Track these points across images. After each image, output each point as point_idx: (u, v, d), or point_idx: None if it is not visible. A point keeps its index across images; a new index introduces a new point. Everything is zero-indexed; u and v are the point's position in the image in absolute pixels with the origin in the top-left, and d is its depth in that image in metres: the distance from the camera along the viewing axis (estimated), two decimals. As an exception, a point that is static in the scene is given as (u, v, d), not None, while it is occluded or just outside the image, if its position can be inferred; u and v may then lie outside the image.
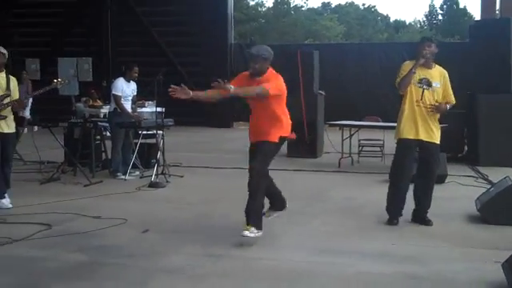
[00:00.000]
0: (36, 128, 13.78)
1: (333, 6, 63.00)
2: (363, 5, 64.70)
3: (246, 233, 5.55)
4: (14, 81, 7.37)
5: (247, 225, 5.62)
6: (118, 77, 9.65)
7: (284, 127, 5.92)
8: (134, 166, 9.67)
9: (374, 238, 6.01)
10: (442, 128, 6.68)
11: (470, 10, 61.25)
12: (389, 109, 14.36)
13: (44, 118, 11.16)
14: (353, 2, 63.18)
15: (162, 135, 9.57)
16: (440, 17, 63.10)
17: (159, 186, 8.66)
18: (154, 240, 5.88)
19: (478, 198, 6.99)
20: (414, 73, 6.39)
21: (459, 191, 8.53)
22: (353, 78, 19.27)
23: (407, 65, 6.51)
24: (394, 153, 6.72)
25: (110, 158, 9.73)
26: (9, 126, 7.23)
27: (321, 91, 12.52)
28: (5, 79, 7.21)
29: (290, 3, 49.61)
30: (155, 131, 9.63)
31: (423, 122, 6.44)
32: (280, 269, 5.04)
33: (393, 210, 6.64)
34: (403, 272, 4.91)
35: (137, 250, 5.55)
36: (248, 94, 5.80)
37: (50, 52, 20.94)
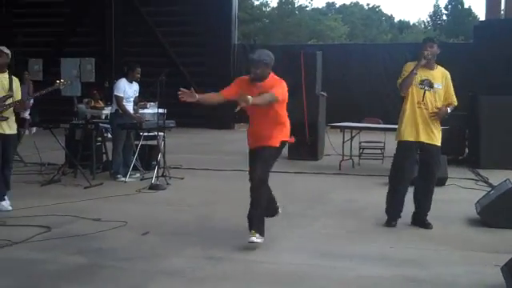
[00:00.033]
0: (34, 129, 13.77)
1: (337, 6, 63.10)
2: (367, 5, 64.75)
3: (253, 238, 5.53)
4: (16, 81, 7.35)
5: (251, 231, 5.61)
6: (121, 77, 9.64)
7: (285, 131, 5.91)
8: (135, 168, 9.66)
9: (375, 241, 6.01)
10: (443, 130, 6.67)
11: (474, 10, 61.11)
12: (392, 109, 14.34)
13: (46, 119, 11.19)
14: (357, 2, 63.26)
15: (164, 137, 9.56)
16: (444, 17, 63.01)
17: (159, 188, 8.66)
18: (154, 242, 5.88)
19: (478, 201, 6.98)
20: (416, 74, 6.37)
21: (459, 194, 8.52)
22: (356, 78, 19.30)
23: (409, 66, 6.49)
24: (394, 154, 6.72)
25: (110, 159, 9.72)
26: (10, 127, 7.20)
27: (323, 92, 12.51)
28: (7, 80, 7.18)
29: (294, 3, 49.63)
30: (156, 133, 9.62)
31: (424, 123, 6.43)
32: (280, 272, 5.03)
33: (391, 211, 6.64)
34: (403, 275, 4.90)
35: (137, 252, 5.54)
36: (264, 103, 5.63)
37: (53, 52, 20.98)
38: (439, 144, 6.53)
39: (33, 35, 21.05)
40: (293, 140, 6.26)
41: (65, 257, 5.35)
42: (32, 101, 11.26)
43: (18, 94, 7.29)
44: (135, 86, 9.60)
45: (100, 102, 16.34)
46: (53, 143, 9.56)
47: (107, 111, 13.71)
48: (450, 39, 43.54)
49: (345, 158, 11.03)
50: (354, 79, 19.27)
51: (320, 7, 59.52)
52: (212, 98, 5.97)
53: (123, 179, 9.27)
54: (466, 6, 60.79)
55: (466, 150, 11.94)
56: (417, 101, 6.43)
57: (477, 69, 11.61)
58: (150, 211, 7.34)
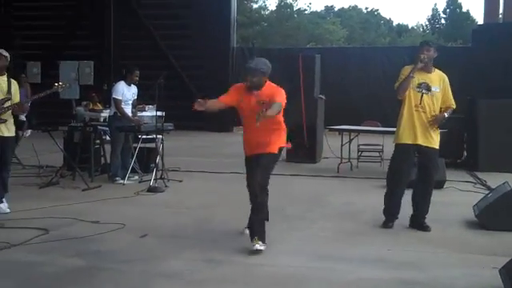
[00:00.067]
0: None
1: (336, 9, 63.12)
2: (366, 8, 64.80)
3: (258, 246, 5.52)
4: (15, 84, 7.36)
5: (253, 238, 5.60)
6: (119, 80, 9.63)
7: (282, 136, 5.94)
8: (133, 171, 9.66)
9: (373, 243, 6.01)
10: (441, 133, 6.68)
11: (473, 14, 61.05)
12: (391, 112, 14.34)
13: (44, 122, 11.17)
14: (356, 6, 63.36)
15: (162, 139, 9.56)
16: (443, 21, 63.00)
17: (158, 191, 8.65)
18: (153, 245, 5.87)
19: (476, 204, 6.99)
20: (413, 77, 6.39)
21: (458, 197, 8.53)
22: (355, 81, 19.31)
23: (406, 69, 6.51)
24: (391, 157, 6.73)
25: (109, 162, 9.72)
26: (9, 130, 7.20)
27: (321, 95, 12.53)
28: (6, 82, 7.19)
29: (293, 7, 49.63)
30: (155, 135, 9.62)
31: (422, 126, 6.44)
32: (279, 275, 5.03)
33: (388, 213, 6.67)
34: (401, 278, 4.91)
35: (135, 254, 5.54)
36: (275, 114, 5.64)
37: (51, 55, 20.98)
38: (437, 147, 6.54)
39: (31, 38, 21.06)
40: (289, 145, 6.29)
41: (63, 259, 5.34)
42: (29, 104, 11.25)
43: (16, 97, 7.29)
44: (134, 89, 9.60)
45: (98, 105, 16.34)
46: (51, 146, 9.56)
47: (106, 114, 13.67)
48: (449, 43, 43.56)
49: (343, 160, 11.03)
50: (353, 82, 19.29)
51: (319, 11, 59.66)
52: (214, 104, 5.98)
53: (121, 182, 9.27)
54: (464, 9, 60.79)
55: (465, 153, 11.96)
56: (414, 104, 6.45)
57: (475, 72, 11.63)
58: (148, 214, 7.34)
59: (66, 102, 17.90)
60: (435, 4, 71.94)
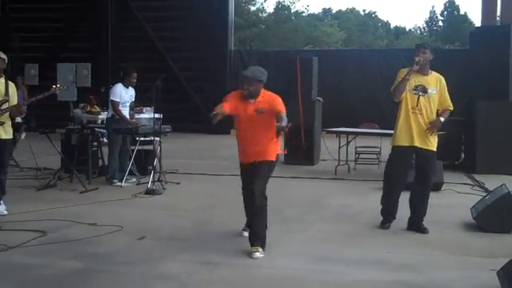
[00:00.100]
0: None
1: (333, 11, 63.17)
2: (364, 11, 64.86)
3: (257, 254, 5.52)
4: (12, 86, 7.34)
5: (253, 246, 5.59)
6: (117, 82, 9.62)
7: (278, 143, 6.00)
8: (131, 173, 9.65)
9: (371, 245, 6.01)
10: (439, 135, 6.68)
11: (470, 16, 61.35)
12: (389, 115, 14.36)
13: (42, 124, 11.14)
14: (354, 8, 63.37)
15: (160, 142, 9.56)
16: (440, 23, 63.11)
17: (156, 193, 8.64)
18: (150, 247, 5.87)
19: (474, 206, 6.99)
20: (408, 79, 6.39)
21: (455, 199, 8.53)
22: (353, 84, 19.31)
23: (403, 72, 6.51)
24: (388, 159, 6.74)
25: (106, 164, 9.71)
26: (6, 132, 7.18)
27: (319, 98, 12.53)
28: (3, 85, 7.18)
29: (290, 9, 49.65)
30: (152, 138, 9.61)
31: (419, 128, 6.44)
32: (278, 277, 5.04)
33: (386, 212, 6.69)
34: (399, 280, 4.91)
35: (133, 257, 5.53)
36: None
37: (49, 57, 20.95)
38: (435, 149, 6.55)
39: (29, 40, 21.06)
40: (286, 152, 6.31)
41: (60, 261, 5.34)
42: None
43: (14, 99, 7.28)
44: (131, 91, 9.59)
45: (96, 107, 16.33)
46: (49, 148, 9.55)
47: (103, 116, 13.69)
48: (446, 45, 43.65)
49: (341, 162, 11.04)
50: (350, 85, 19.29)
51: (316, 13, 59.62)
52: (222, 110, 5.96)
53: (119, 184, 9.26)
54: (461, 12, 60.99)
55: (462, 155, 11.96)
56: (411, 106, 6.45)
57: (473, 75, 11.64)
58: (145, 216, 7.33)
59: (64, 104, 17.84)
60: (433, 6, 71.90)
